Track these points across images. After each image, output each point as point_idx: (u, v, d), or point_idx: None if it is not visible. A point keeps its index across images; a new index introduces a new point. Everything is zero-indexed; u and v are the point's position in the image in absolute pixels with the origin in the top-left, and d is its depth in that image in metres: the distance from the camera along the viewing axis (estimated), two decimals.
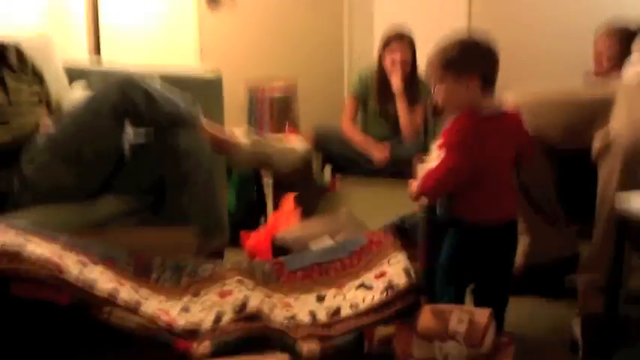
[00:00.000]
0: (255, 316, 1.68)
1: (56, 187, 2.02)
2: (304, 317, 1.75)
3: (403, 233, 2.00)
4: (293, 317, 1.75)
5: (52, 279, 1.51)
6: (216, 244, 2.20)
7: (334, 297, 1.83)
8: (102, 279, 1.61)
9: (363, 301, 1.78)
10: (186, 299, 1.79)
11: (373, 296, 1.78)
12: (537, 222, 2.17)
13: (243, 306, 1.70)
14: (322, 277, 1.91)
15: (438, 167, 1.78)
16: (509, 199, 1.86)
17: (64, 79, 2.51)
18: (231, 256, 2.43)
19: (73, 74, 2.52)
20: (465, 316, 1.68)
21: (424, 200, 1.95)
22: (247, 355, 1.59)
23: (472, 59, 1.79)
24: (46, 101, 2.27)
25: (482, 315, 1.69)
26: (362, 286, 1.83)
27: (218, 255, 2.28)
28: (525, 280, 2.11)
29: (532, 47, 3.78)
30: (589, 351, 1.74)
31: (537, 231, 2.19)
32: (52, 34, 2.65)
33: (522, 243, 2.16)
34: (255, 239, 2.47)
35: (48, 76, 2.32)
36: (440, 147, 1.79)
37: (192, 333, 1.64)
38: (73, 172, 2.03)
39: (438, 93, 1.82)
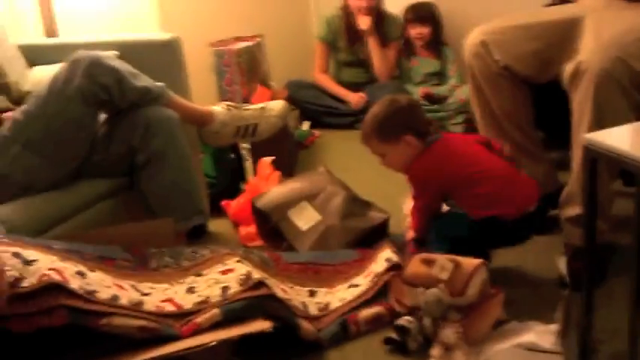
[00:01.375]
0: (261, 284, 1.70)
1: (30, 178, 1.97)
2: (298, 304, 1.79)
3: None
4: (289, 301, 1.77)
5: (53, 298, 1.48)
6: (195, 223, 2.17)
7: (325, 295, 1.89)
8: (101, 288, 1.59)
9: (351, 295, 1.86)
10: (189, 280, 1.79)
11: (360, 290, 1.87)
12: (518, 161, 2.15)
13: (247, 277, 1.71)
14: (315, 276, 1.97)
15: (414, 212, 2.01)
16: (522, 191, 1.92)
17: (22, 61, 2.42)
18: (215, 226, 2.43)
19: (32, 56, 2.44)
20: (449, 264, 1.69)
21: None
22: (233, 325, 1.59)
23: (399, 122, 1.94)
24: (3, 87, 2.21)
25: (470, 264, 1.69)
26: (351, 286, 1.91)
27: (200, 232, 2.26)
28: None
29: None
30: (576, 285, 1.74)
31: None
32: (2, 21, 2.56)
33: None
34: (237, 207, 2.45)
35: (3, 61, 2.24)
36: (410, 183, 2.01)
37: (201, 310, 1.65)
38: (46, 162, 1.98)
39: (386, 162, 2.01)
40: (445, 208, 2.04)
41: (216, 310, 1.61)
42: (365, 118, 2.01)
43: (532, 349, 1.57)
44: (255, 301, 1.65)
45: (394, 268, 1.89)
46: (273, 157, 2.56)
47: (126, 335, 1.52)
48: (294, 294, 1.84)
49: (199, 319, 1.60)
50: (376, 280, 1.88)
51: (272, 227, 2.22)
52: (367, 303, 1.83)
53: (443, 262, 1.69)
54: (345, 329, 1.75)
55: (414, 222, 2.02)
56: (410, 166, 1.96)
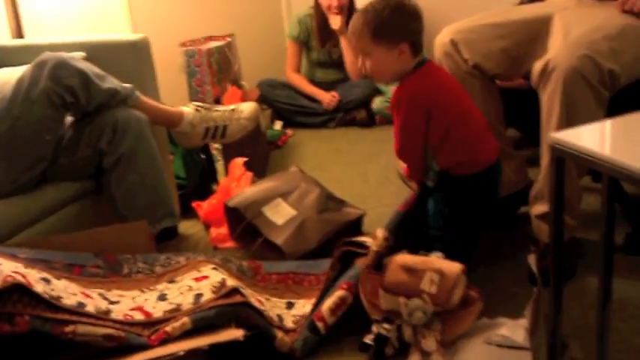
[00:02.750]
0: (235, 291, 1.65)
1: None
2: (273, 316, 1.74)
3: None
4: (264, 311, 1.73)
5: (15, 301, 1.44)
6: (166, 225, 2.15)
7: (303, 306, 1.83)
8: (66, 294, 1.56)
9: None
10: (161, 287, 1.76)
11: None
12: None
13: (221, 285, 1.67)
14: (295, 286, 1.93)
15: (403, 157, 1.89)
16: (486, 142, 1.88)
17: None
18: (186, 228, 2.41)
19: None
20: (436, 277, 1.65)
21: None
22: (204, 334, 1.56)
23: (401, 26, 1.75)
24: None
25: (453, 272, 1.66)
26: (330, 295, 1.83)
27: (171, 234, 2.24)
28: None
29: None
30: (545, 282, 1.75)
31: None
32: None
33: None
34: (209, 208, 2.43)
35: None
36: (392, 110, 1.84)
37: (171, 319, 1.61)
38: (10, 165, 1.95)
39: (367, 64, 1.80)
40: None
41: (186, 319, 1.56)
42: (363, 8, 1.81)
43: (503, 344, 1.57)
44: (228, 309, 1.60)
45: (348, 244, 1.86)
46: (246, 159, 2.54)
47: (92, 344, 1.48)
48: (270, 306, 1.79)
49: (169, 327, 1.55)
50: (332, 261, 1.83)
51: (244, 228, 2.20)
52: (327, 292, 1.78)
53: (431, 276, 1.65)
54: (314, 329, 1.69)
55: (407, 167, 1.92)
56: (398, 86, 1.82)
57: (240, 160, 2.53)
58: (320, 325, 1.70)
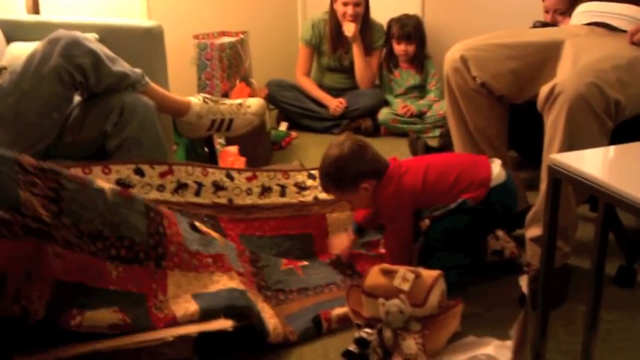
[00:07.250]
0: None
1: None
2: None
3: None
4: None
5: None
6: None
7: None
8: None
9: None
10: None
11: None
12: None
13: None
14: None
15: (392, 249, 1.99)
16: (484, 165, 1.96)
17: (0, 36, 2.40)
18: None
19: (11, 31, 2.41)
20: (411, 275, 1.69)
21: None
22: (195, 323, 1.56)
23: (352, 172, 1.92)
24: None
25: (429, 276, 1.69)
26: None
27: None
28: None
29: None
30: (536, 305, 1.75)
31: None
32: None
33: None
34: None
35: None
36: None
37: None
38: (15, 139, 1.94)
39: (353, 205, 2.08)
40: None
41: (196, 309, 1.57)
42: (319, 172, 2.00)
43: None
44: (237, 306, 1.62)
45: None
46: (237, 146, 2.54)
47: (97, 332, 1.43)
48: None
49: (179, 313, 1.55)
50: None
51: None
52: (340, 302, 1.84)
53: (404, 273, 1.69)
54: (318, 326, 1.76)
55: (395, 259, 1.94)
56: (377, 200, 1.96)
57: (232, 148, 2.52)
58: (324, 324, 1.77)
